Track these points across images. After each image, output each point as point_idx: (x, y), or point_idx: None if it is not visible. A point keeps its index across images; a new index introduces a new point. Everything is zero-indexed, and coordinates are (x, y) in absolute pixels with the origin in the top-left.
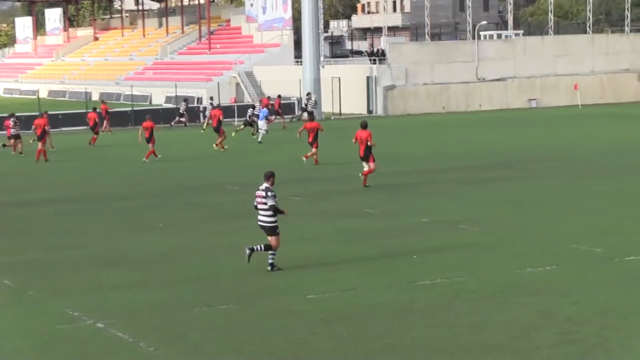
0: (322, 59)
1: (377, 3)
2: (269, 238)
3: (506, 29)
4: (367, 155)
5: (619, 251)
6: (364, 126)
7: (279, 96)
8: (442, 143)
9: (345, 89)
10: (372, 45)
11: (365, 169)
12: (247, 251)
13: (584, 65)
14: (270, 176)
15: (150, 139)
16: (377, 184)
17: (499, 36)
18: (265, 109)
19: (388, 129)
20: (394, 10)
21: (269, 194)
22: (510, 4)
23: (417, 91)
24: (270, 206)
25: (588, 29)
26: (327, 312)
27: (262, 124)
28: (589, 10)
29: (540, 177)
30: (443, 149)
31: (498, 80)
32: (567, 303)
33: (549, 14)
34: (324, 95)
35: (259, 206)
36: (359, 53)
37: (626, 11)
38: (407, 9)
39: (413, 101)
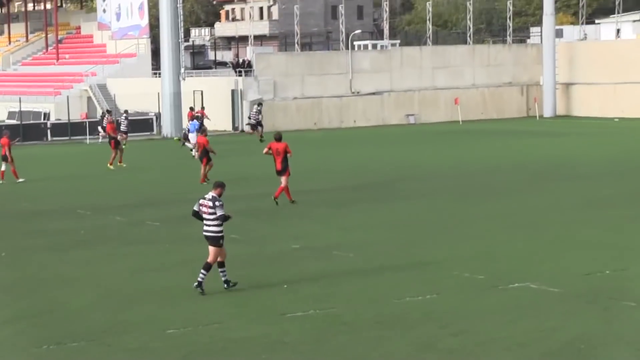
0: (182, 70)
1: (242, 10)
2: (211, 248)
3: (382, 38)
4: (284, 169)
5: (502, 278)
6: (278, 138)
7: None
8: (313, 162)
9: (208, 103)
10: (237, 55)
11: (283, 184)
12: (198, 289)
13: (465, 78)
14: (219, 186)
15: (5, 158)
16: (243, 208)
17: (374, 46)
18: (195, 121)
19: (254, 147)
20: (261, 17)
21: (217, 203)
22: (385, 11)
23: (286, 106)
24: (220, 216)
25: (468, 39)
26: (189, 348)
27: (192, 137)
28: (469, 20)
29: (418, 198)
30: (314, 168)
31: (373, 94)
32: (447, 334)
33: (427, 22)
34: (184, 111)
35: (205, 216)
36: (223, 64)
37: (508, 20)
38: (275, 16)
39: (282, 117)
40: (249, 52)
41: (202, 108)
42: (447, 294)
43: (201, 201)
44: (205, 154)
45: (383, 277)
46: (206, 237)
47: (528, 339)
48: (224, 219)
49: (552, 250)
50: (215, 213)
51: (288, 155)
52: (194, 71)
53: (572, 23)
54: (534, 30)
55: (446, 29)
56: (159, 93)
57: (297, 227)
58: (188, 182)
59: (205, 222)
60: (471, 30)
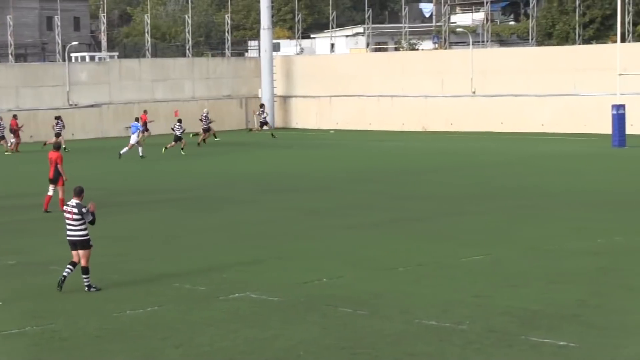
0: None
1: None
2: (81, 252)
3: (100, 50)
4: (56, 178)
5: (223, 288)
6: (57, 147)
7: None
8: (34, 176)
9: None
10: None
11: (50, 193)
12: (60, 283)
13: (185, 90)
14: (80, 192)
15: None
16: None
17: (92, 58)
18: (138, 123)
19: None
20: None
21: (84, 210)
22: (103, 23)
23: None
24: (90, 221)
25: (188, 52)
26: None
27: (134, 138)
28: (188, 32)
29: (139, 211)
30: (34, 182)
31: (92, 106)
32: (169, 346)
33: (146, 35)
34: None
35: (70, 222)
36: None
37: (226, 34)
38: None
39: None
40: None
41: (145, 112)
42: (169, 306)
43: (65, 208)
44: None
45: (105, 291)
46: (73, 242)
47: (249, 348)
48: (93, 221)
49: (271, 260)
50: (83, 219)
51: (58, 165)
52: None
53: (288, 37)
54: (252, 43)
55: (165, 41)
56: None
57: (13, 242)
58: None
59: (70, 227)
60: (190, 43)
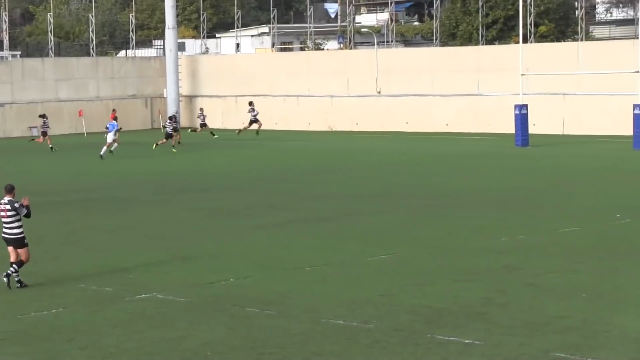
0: None
1: None
2: (19, 250)
3: (1, 49)
4: None
5: (130, 289)
6: None
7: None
8: None
9: None
10: None
11: None
12: (5, 279)
13: (89, 90)
14: (11, 189)
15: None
16: None
17: None
18: (115, 122)
19: None
20: None
21: (16, 205)
22: (5, 22)
23: None
24: (25, 215)
25: (92, 51)
26: None
27: (110, 136)
28: (92, 32)
29: (46, 212)
30: None
31: None
32: (74, 348)
33: (49, 34)
34: None
35: (6, 220)
36: None
37: (131, 33)
38: None
39: None
40: None
41: (113, 111)
42: (74, 308)
43: None
44: None
45: (9, 293)
46: (8, 240)
47: (156, 349)
48: (28, 214)
49: (177, 261)
50: (17, 214)
51: None
52: None
53: (193, 37)
54: (157, 43)
55: (68, 40)
56: None
57: None
58: None
59: (5, 226)
60: (94, 42)
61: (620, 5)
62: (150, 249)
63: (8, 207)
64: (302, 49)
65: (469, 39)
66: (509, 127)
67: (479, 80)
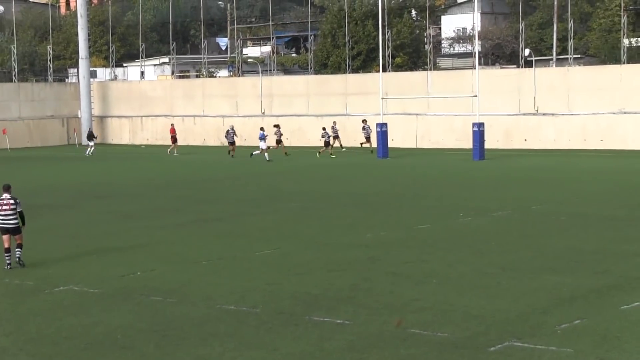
0: None
1: None
2: (17, 236)
3: None
4: None
5: (49, 283)
6: None
7: None
8: None
9: None
10: None
11: None
12: (7, 267)
13: (12, 111)
14: (9, 187)
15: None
16: None
17: None
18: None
19: None
20: None
21: (18, 200)
22: None
23: None
24: (20, 212)
25: (14, 77)
26: None
27: (263, 144)
28: (14, 61)
29: None
30: None
31: None
32: (0, 335)
33: None
34: None
35: (4, 212)
36: None
37: (49, 62)
38: None
39: None
40: None
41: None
42: None
43: (1, 201)
44: None
45: None
46: (6, 229)
47: (73, 333)
48: (22, 214)
49: (91, 257)
50: (16, 209)
51: None
52: None
53: (104, 65)
54: (72, 71)
55: None
56: None
57: None
58: None
59: (4, 217)
60: (16, 70)
61: (461, 41)
62: (67, 247)
63: (11, 201)
64: (197, 76)
65: (338, 68)
66: (373, 142)
67: (346, 103)
